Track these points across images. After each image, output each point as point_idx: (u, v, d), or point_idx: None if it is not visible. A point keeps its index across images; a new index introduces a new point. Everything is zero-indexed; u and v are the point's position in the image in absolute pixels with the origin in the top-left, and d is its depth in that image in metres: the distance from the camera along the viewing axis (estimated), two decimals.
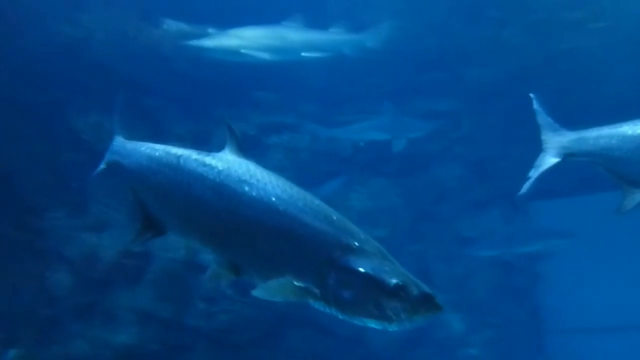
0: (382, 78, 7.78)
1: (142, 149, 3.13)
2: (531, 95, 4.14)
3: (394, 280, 2.35)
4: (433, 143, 8.22)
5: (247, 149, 2.86)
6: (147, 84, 7.20)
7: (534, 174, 3.90)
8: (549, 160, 3.92)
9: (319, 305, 2.54)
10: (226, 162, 2.76)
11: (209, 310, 7.07)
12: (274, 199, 2.60)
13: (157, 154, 3.01)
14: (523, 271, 8.60)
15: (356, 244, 2.47)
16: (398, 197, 8.16)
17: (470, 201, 8.36)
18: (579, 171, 7.78)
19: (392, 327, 2.38)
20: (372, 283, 2.36)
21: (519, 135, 8.01)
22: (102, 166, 3.49)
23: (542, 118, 4.10)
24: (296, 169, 7.64)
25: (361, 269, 2.39)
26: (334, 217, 2.57)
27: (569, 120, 7.97)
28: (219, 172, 2.72)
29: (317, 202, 2.63)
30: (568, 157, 3.88)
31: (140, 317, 6.66)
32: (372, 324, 2.41)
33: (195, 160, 2.81)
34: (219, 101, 7.26)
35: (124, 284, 6.66)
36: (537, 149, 8.16)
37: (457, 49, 7.40)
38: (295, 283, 2.50)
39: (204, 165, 2.77)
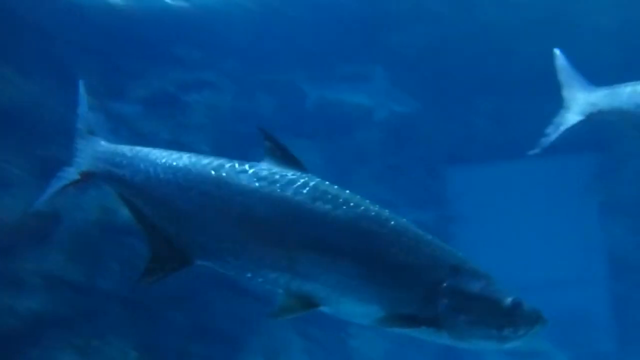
0: (305, 39, 7.68)
1: (153, 157, 2.57)
2: (556, 50, 3.73)
3: (509, 299, 2.29)
4: (355, 107, 8.31)
5: (292, 159, 2.55)
6: (58, 32, 6.72)
7: (552, 132, 3.55)
8: (572, 118, 3.58)
9: (422, 332, 2.33)
10: (285, 176, 2.44)
11: (123, 273, 6.90)
12: (360, 219, 2.34)
13: (182, 164, 2.50)
14: (436, 233, 8.98)
15: (460, 264, 2.36)
16: (318, 159, 8.21)
17: (390, 165, 8.56)
18: (489, 137, 8.22)
19: (507, 346, 2.30)
20: (489, 304, 2.27)
21: (438, 101, 8.27)
22: (75, 177, 2.82)
23: (567, 73, 3.70)
24: (216, 128, 7.48)
25: (475, 291, 2.29)
26: (430, 237, 2.43)
27: (484, 90, 8.32)
28: (284, 187, 2.39)
29: (403, 220, 2.42)
30: (595, 115, 3.51)
31: (48, 281, 6.39)
32: (487, 344, 2.31)
33: (244, 173, 2.44)
34: (136, 55, 6.91)
35: (30, 247, 6.33)
36: (459, 115, 8.50)
37: (380, 14, 7.40)
38: (401, 312, 2.29)
39: (260, 179, 2.42)
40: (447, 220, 9.13)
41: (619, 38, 7.30)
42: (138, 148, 2.66)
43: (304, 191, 2.39)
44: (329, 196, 2.39)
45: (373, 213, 2.37)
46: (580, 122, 3.47)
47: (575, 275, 9.03)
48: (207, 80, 7.48)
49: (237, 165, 2.50)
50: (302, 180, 2.44)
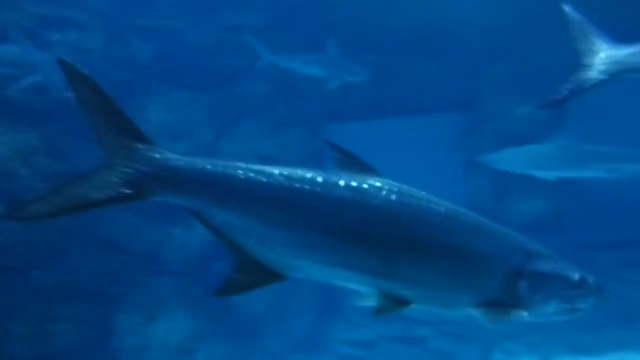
0: None
1: (239, 173, 2.35)
2: (565, 7, 3.54)
3: (576, 275, 2.55)
4: (238, 59, 8.08)
5: (365, 167, 2.48)
6: None
7: (571, 93, 3.34)
8: (594, 77, 3.32)
9: (501, 315, 2.49)
10: (371, 184, 2.44)
11: None
12: (445, 217, 2.44)
13: (274, 180, 2.36)
14: None
15: (531, 248, 2.54)
16: (200, 111, 7.93)
17: (272, 120, 8.52)
18: (368, 95, 8.49)
19: (576, 316, 2.55)
20: (562, 282, 2.52)
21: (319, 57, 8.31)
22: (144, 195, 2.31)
23: (583, 29, 3.42)
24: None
25: (549, 271, 2.52)
26: (498, 226, 2.55)
27: (361, 49, 8.48)
28: (374, 195, 2.41)
29: (474, 214, 2.56)
30: (620, 74, 3.26)
31: None
32: (560, 317, 2.53)
33: (337, 186, 2.39)
34: None
35: None
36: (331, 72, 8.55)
37: None
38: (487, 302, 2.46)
39: (352, 189, 2.41)
40: None
41: (482, 7, 7.83)
42: (219, 162, 2.41)
43: (393, 197, 2.45)
44: (415, 199, 2.48)
45: (454, 210, 2.53)
46: (604, 82, 3.27)
47: None
48: (72, 18, 6.75)
49: (327, 177, 2.44)
50: (387, 187, 2.47)
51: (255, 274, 2.46)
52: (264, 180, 2.39)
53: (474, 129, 9.18)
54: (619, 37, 3.43)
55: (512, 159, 6.03)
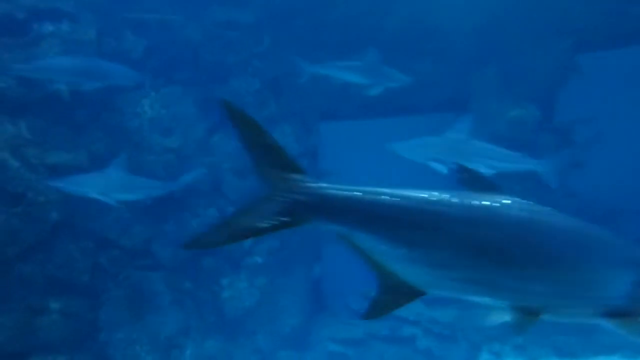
0: None
1: (384, 199, 2.51)
2: None
3: None
4: (233, 55, 8.08)
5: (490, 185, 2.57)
6: None
7: None
8: None
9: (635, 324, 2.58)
10: (502, 202, 2.55)
11: None
12: (572, 231, 2.55)
13: (415, 204, 2.50)
14: None
15: (637, 256, 2.61)
16: (193, 106, 7.92)
17: (265, 117, 8.51)
18: (361, 95, 8.50)
19: None
20: None
21: (313, 56, 8.34)
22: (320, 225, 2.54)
23: None
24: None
25: None
26: (617, 236, 2.63)
27: (353, 48, 8.49)
28: (507, 213, 2.51)
29: (595, 226, 2.61)
30: None
31: None
32: None
33: (472, 205, 2.52)
34: None
35: None
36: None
37: None
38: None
39: (486, 208, 2.53)
40: (321, 174, 9.40)
41: (473, 8, 7.89)
42: (367, 189, 2.57)
43: (524, 214, 2.54)
44: (543, 214, 2.58)
45: (578, 224, 2.62)
46: None
47: None
48: (64, 10, 6.71)
49: (462, 199, 2.56)
50: (517, 204, 2.57)
51: (399, 293, 2.58)
52: (406, 204, 2.55)
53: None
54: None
55: (413, 149, 6.31)
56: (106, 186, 6.14)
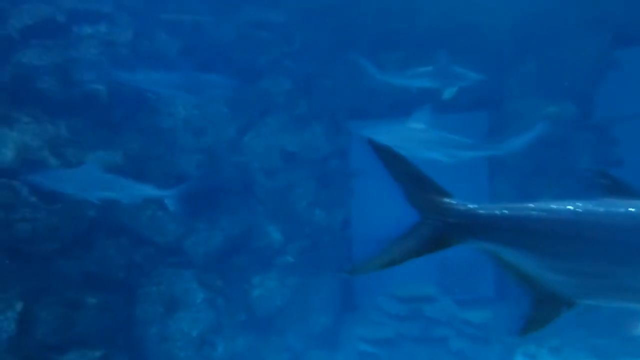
0: None
1: (531, 215, 2.59)
2: None
3: None
4: (265, 55, 8.15)
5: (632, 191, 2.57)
6: None
7: None
8: None
9: None
10: None
11: (7, 219, 6.39)
12: None
13: (561, 216, 2.56)
14: (338, 186, 9.22)
15: None
16: (225, 106, 8.01)
17: (296, 116, 8.55)
18: (392, 93, 8.46)
19: None
20: None
21: (344, 55, 8.34)
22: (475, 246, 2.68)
23: None
24: (114, 66, 7.00)
25: None
26: None
27: (385, 46, 8.44)
28: None
29: None
30: None
31: None
32: None
33: (618, 213, 2.53)
34: None
35: None
36: (359, 70, 8.60)
37: None
38: None
39: (634, 216, 2.52)
40: (350, 175, 9.39)
41: (510, 3, 7.74)
42: (514, 206, 2.67)
43: None
44: None
45: None
46: None
47: None
48: (103, 12, 6.90)
49: (608, 207, 2.57)
50: None
51: (551, 306, 2.63)
52: (553, 217, 2.59)
53: (499, 128, 9.06)
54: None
55: (385, 137, 6.35)
56: (82, 182, 6.17)
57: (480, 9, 7.87)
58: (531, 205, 2.64)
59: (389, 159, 2.67)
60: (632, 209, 2.53)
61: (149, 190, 6.39)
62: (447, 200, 2.66)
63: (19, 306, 6.24)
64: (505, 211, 2.62)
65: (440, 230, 2.65)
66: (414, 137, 6.22)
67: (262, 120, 8.29)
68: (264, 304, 8.16)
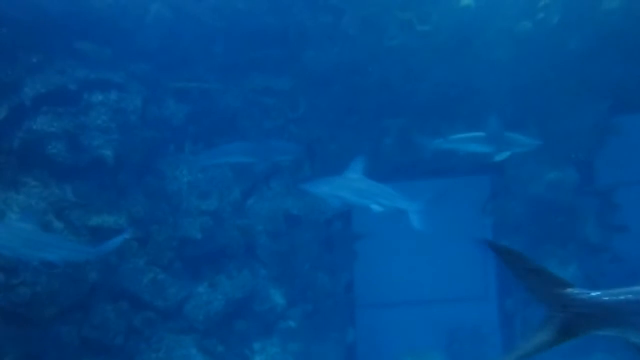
0: (219, 47, 7.62)
1: None
2: None
3: None
4: (270, 120, 8.33)
5: None
6: None
7: None
8: None
9: None
10: None
11: (8, 282, 6.38)
12: None
13: None
14: (342, 249, 9.17)
15: None
16: (230, 170, 8.12)
17: (301, 179, 8.62)
18: (395, 157, 8.54)
19: None
20: None
21: (347, 120, 8.51)
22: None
23: None
24: (122, 133, 7.19)
25: None
26: None
27: (388, 112, 8.63)
28: None
29: None
30: None
31: None
32: None
33: None
34: (32, 46, 6.50)
35: None
36: (362, 135, 8.75)
37: (297, 30, 7.53)
38: None
39: None
40: (353, 237, 9.36)
41: (512, 70, 7.96)
42: (636, 289, 2.74)
43: None
44: None
45: None
46: None
47: (469, 292, 9.55)
48: (114, 81, 7.16)
49: None
50: None
51: None
52: None
53: (502, 192, 9.09)
54: None
55: (319, 187, 6.96)
56: (9, 240, 5.71)
57: (481, 76, 8.08)
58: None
59: (509, 257, 2.77)
60: None
61: (77, 248, 6.13)
62: (570, 290, 2.72)
63: None
64: (630, 295, 2.68)
65: (569, 321, 2.71)
66: (349, 186, 6.64)
67: (266, 184, 8.37)
68: None
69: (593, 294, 2.71)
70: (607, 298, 2.69)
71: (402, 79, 8.13)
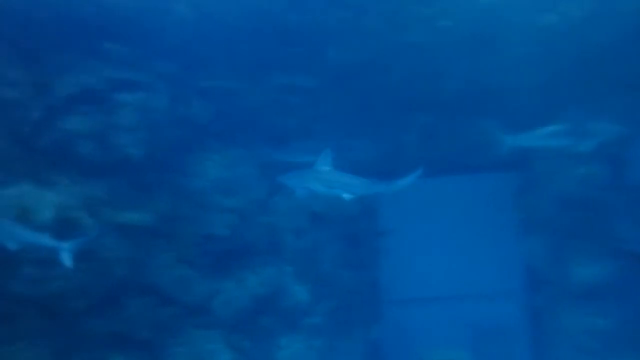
0: (244, 47, 7.71)
1: None
2: None
3: None
4: (292, 118, 8.40)
5: None
6: None
7: None
8: None
9: None
10: None
11: (41, 275, 6.60)
12: None
13: None
14: (366, 245, 9.17)
15: None
16: (254, 168, 8.22)
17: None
18: (417, 154, 8.49)
19: None
20: None
21: (369, 117, 8.51)
22: None
23: None
24: (149, 132, 7.35)
25: None
26: None
27: (410, 108, 8.57)
28: None
29: None
30: None
31: None
32: None
33: None
34: (62, 47, 6.70)
35: None
36: (382, 132, 8.70)
37: (319, 28, 7.55)
38: None
39: None
40: (379, 234, 9.35)
41: (536, 65, 7.81)
42: None
43: None
44: None
45: None
46: None
47: (497, 288, 9.43)
48: (141, 81, 7.32)
49: None
50: None
51: None
52: None
53: (530, 188, 8.93)
54: None
55: (292, 179, 7.08)
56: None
57: (507, 71, 7.96)
58: None
59: None
60: None
61: (43, 240, 6.11)
62: None
63: None
64: None
65: None
66: (319, 177, 6.84)
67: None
68: None
69: None
70: None
71: (425, 76, 8.09)
